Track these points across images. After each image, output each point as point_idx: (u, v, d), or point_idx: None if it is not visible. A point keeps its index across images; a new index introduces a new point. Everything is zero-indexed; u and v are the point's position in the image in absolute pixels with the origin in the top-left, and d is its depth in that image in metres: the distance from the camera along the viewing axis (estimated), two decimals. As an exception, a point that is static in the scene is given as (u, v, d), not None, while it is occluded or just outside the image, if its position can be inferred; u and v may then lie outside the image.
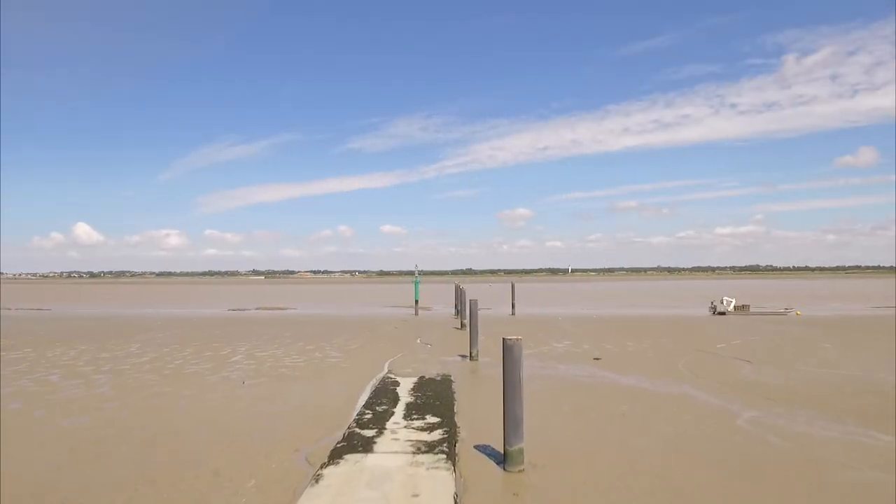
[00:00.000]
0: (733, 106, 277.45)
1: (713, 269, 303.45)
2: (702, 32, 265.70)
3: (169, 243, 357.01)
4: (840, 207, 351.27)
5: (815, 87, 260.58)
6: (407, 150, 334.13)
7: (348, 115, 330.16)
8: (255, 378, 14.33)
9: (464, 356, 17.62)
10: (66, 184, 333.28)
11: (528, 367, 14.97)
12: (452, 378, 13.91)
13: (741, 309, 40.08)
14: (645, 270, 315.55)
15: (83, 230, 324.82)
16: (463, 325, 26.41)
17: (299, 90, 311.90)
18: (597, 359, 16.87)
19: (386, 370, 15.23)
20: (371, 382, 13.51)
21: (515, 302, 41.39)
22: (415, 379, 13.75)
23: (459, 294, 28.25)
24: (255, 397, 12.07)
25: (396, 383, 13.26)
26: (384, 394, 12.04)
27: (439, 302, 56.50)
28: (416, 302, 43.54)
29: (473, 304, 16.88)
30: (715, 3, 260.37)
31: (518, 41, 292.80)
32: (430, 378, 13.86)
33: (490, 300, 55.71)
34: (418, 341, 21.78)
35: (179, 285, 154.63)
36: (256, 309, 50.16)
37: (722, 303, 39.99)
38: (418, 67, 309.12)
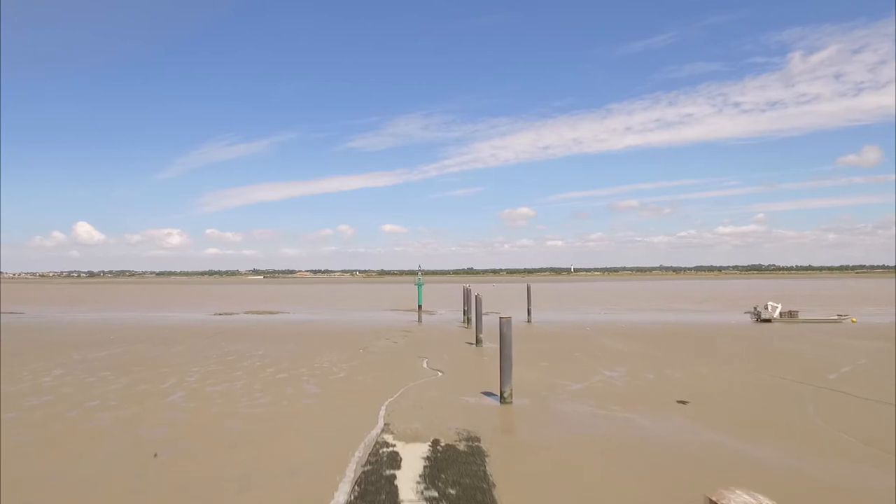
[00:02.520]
0: (736, 105, 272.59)
1: (719, 269, 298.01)
2: (705, 30, 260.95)
3: (170, 242, 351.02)
4: (842, 206, 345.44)
5: (819, 86, 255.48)
6: (408, 149, 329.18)
7: (348, 114, 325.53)
8: (181, 442, 9.39)
9: (489, 394, 12.70)
10: (68, 184, 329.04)
11: (590, 419, 10.04)
12: (483, 446, 8.94)
13: (788, 315, 35.24)
14: (650, 270, 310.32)
15: (84, 229, 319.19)
16: (479, 341, 21.48)
17: (299, 89, 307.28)
18: (683, 402, 11.89)
19: (381, 425, 10.28)
20: (355, 456, 8.55)
21: (530, 307, 36.34)
22: (425, 448, 8.79)
23: (475, 302, 23.29)
24: (147, 500, 7.12)
25: (395, 459, 8.31)
26: (375, 490, 7.10)
27: (443, 305, 51.51)
28: (420, 307, 38.67)
29: (505, 324, 11.90)
30: (717, 1, 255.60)
31: (519, 40, 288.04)
32: (448, 446, 8.90)
33: (498, 303, 50.70)
34: (425, 365, 16.85)
35: (176, 285, 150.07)
36: (245, 313, 45.46)
37: (767, 308, 35.15)
38: (418, 66, 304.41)
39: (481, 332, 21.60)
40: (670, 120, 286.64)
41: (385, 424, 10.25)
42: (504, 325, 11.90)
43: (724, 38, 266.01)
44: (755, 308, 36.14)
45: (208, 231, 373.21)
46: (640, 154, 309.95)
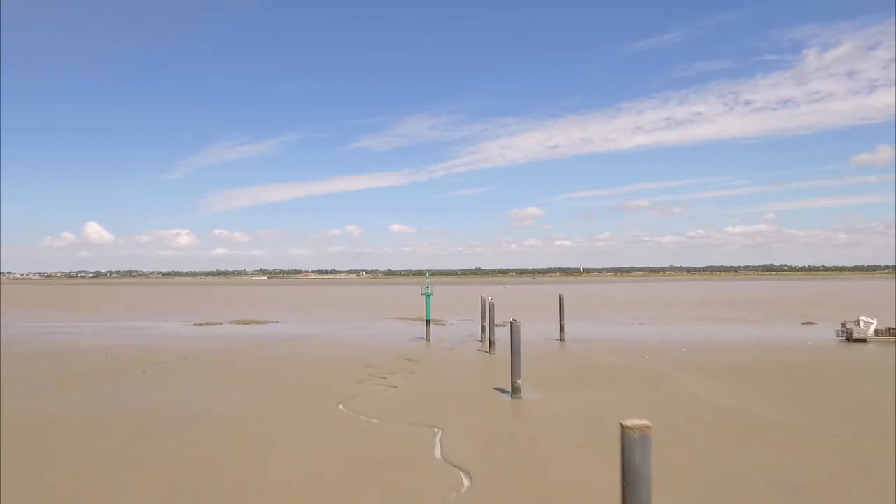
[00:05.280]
0: (748, 103, 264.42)
1: (734, 270, 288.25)
2: (715, 28, 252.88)
3: (178, 243, 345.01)
4: (853, 205, 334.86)
5: (832, 84, 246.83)
6: (415, 149, 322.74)
7: (354, 114, 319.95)
8: None
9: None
10: (77, 185, 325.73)
11: None
12: None
13: (886, 333, 28.30)
14: (662, 270, 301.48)
15: (94, 230, 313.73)
16: (516, 390, 14.55)
17: (304, 90, 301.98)
18: None
19: None
20: None
21: (549, 315, 29.47)
22: None
23: (511, 332, 16.34)
24: None
25: None
26: None
27: (452, 312, 44.69)
28: (428, 322, 31.93)
29: (638, 443, 5.04)
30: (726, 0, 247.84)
31: (523, 39, 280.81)
32: None
33: (513, 308, 43.65)
34: (438, 454, 9.96)
35: (177, 287, 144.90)
36: (229, 323, 39.22)
37: (859, 325, 28.19)
38: (426, 65, 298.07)
39: (518, 377, 14.66)
40: (680, 119, 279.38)
41: None
42: (635, 444, 4.99)
43: (736, 35, 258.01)
44: (843, 325, 29.17)
45: (216, 231, 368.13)
46: (649, 153, 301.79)
